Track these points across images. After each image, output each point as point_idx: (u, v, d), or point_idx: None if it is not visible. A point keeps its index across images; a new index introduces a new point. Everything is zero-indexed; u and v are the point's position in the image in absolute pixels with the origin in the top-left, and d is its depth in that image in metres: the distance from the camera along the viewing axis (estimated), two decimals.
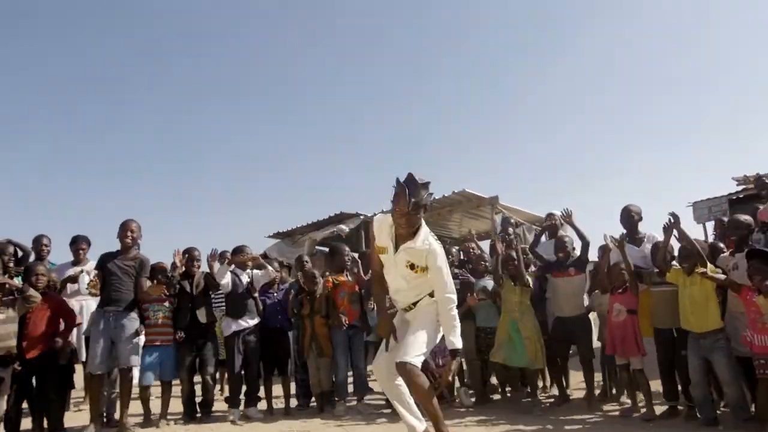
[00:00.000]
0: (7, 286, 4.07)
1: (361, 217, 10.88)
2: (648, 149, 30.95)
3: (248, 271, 4.98)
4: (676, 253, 4.02)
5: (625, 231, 4.82)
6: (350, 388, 5.03)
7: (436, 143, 33.70)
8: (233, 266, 4.85)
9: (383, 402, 4.81)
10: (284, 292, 5.13)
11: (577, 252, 5.00)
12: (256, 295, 4.90)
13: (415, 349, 2.80)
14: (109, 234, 4.61)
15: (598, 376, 4.87)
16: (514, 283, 4.64)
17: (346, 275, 5.02)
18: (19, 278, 4.41)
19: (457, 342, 2.85)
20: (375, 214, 10.35)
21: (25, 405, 4.33)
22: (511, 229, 7.46)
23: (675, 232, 3.95)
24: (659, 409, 4.07)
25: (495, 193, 9.29)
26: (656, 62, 30.47)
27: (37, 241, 5.13)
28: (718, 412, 3.82)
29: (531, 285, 4.66)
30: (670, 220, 3.93)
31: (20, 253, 4.78)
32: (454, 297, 2.90)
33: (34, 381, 4.24)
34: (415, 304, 3.01)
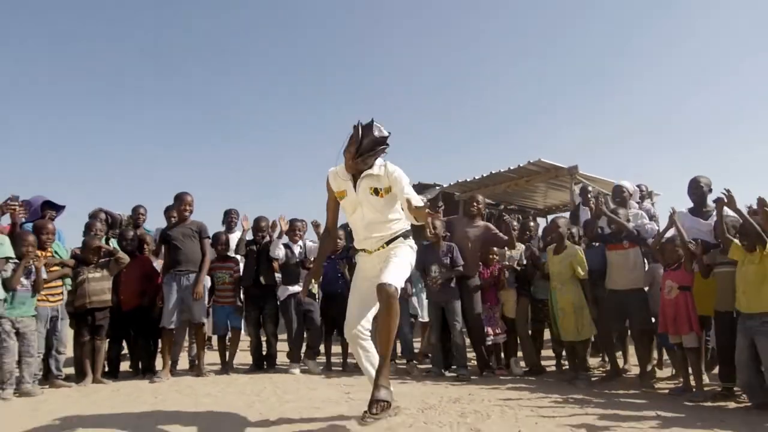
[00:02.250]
0: (102, 249, 4.78)
1: (437, 188, 10.96)
2: (742, 117, 27.53)
3: (300, 242, 5.38)
4: None
5: (692, 204, 4.57)
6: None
7: (518, 113, 32.40)
8: (286, 239, 5.27)
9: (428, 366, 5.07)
10: (341, 257, 5.45)
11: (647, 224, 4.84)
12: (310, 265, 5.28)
13: (397, 275, 2.81)
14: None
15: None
16: (554, 252, 4.59)
17: None
18: (114, 242, 5.12)
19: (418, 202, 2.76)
20: (451, 185, 10.50)
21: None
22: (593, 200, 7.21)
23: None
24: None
25: (575, 162, 8.93)
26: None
27: (135, 210, 5.86)
28: None
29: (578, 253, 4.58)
30: (723, 196, 3.67)
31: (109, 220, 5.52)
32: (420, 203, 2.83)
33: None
34: (388, 243, 2.98)
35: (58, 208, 5.06)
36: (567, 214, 7.98)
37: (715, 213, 4.37)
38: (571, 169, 8.94)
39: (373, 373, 2.85)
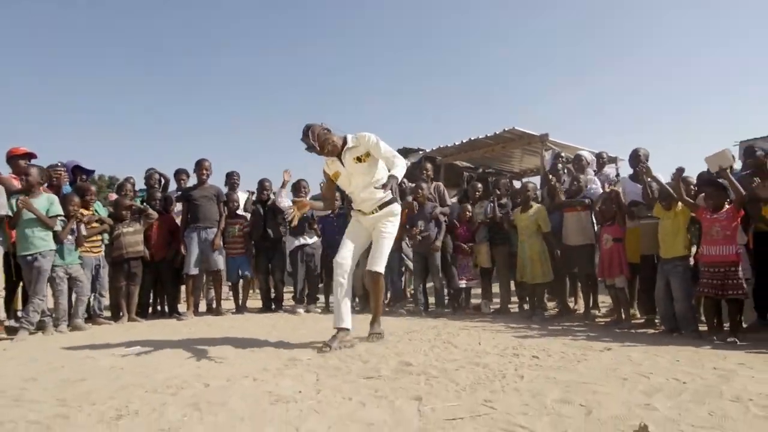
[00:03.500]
0: (133, 206, 5.55)
1: (420, 152, 11.76)
2: (704, 91, 28.91)
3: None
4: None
5: (632, 171, 5.48)
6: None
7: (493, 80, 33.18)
8: (291, 195, 6.10)
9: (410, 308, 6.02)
10: (339, 215, 6.29)
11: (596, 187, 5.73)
12: (313, 221, 6.13)
13: (381, 261, 3.75)
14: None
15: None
16: (521, 211, 5.50)
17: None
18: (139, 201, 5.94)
19: (398, 173, 3.53)
20: (433, 150, 11.25)
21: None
22: (560, 165, 8.08)
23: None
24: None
25: (546, 130, 9.78)
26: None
27: (177, 174, 6.57)
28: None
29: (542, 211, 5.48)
30: (643, 168, 4.61)
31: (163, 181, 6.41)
32: (400, 160, 3.64)
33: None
34: (381, 207, 3.78)
35: (89, 173, 5.79)
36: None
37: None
38: (542, 137, 9.81)
39: (339, 305, 3.74)
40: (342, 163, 3.76)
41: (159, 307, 6.04)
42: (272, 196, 6.15)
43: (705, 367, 2.88)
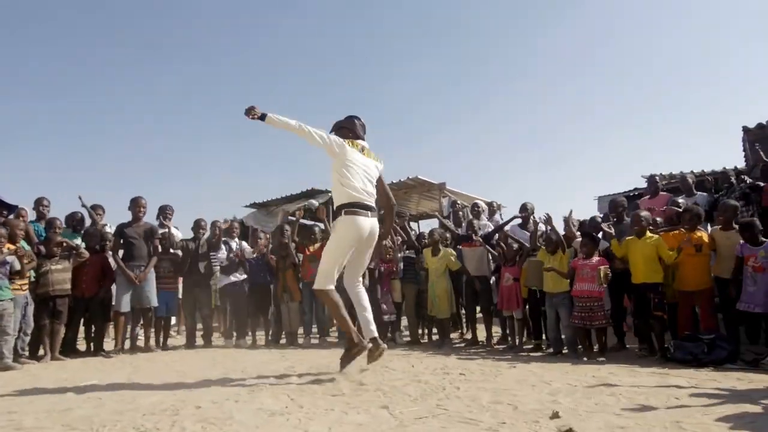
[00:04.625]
0: (65, 244, 5.56)
1: (329, 193, 12.44)
2: (566, 149, 34.31)
3: (236, 239, 6.59)
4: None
5: (521, 220, 6.65)
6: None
7: (395, 132, 35.89)
8: (225, 237, 6.48)
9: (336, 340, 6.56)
10: (265, 255, 6.72)
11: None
12: (244, 260, 6.52)
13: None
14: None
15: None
16: (432, 254, 6.37)
17: (316, 245, 6.68)
18: (79, 239, 5.90)
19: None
20: None
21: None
22: (460, 213, 9.20)
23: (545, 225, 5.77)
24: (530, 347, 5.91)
25: (444, 179, 11.04)
26: (579, 69, 33.46)
27: (38, 202, 6.22)
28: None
29: (450, 255, 6.38)
30: (542, 218, 5.72)
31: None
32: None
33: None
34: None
35: (11, 208, 5.69)
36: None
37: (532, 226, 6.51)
38: (440, 185, 11.04)
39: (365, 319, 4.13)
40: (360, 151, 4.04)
41: (85, 346, 5.94)
42: (204, 236, 6.44)
43: (587, 375, 3.84)
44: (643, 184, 11.73)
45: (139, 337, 6.17)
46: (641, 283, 4.95)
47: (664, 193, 7.44)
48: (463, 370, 4.12)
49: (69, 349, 5.72)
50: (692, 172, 8.63)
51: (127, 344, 6.27)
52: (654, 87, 35.77)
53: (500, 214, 10.84)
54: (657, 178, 7.58)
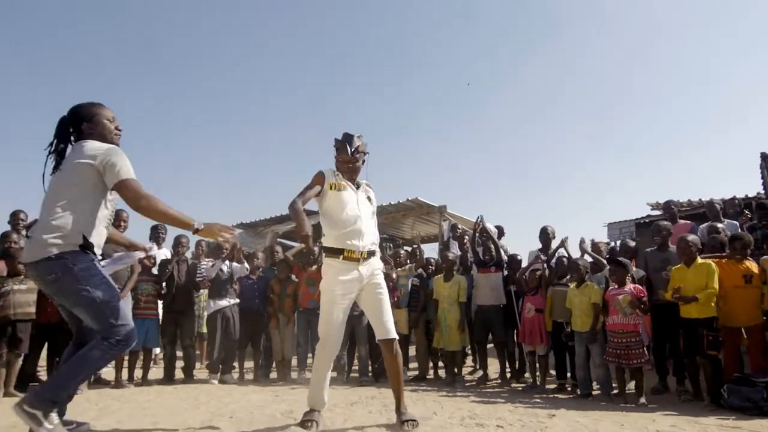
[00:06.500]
0: None
1: (319, 214, 11.83)
2: (579, 172, 34.11)
3: (227, 261, 5.90)
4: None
5: (541, 245, 6.08)
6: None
7: (393, 152, 35.50)
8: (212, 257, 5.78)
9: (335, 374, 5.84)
10: (259, 278, 6.03)
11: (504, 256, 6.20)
12: (236, 284, 5.83)
13: (393, 324, 3.20)
14: None
15: None
16: (444, 279, 5.75)
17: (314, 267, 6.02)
18: None
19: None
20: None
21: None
22: (466, 237, 8.61)
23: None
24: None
25: (444, 202, 10.47)
26: (593, 95, 33.67)
27: (14, 215, 5.53)
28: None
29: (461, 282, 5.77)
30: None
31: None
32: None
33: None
34: (371, 253, 3.19)
35: None
36: (436, 245, 9.40)
37: (556, 254, 5.93)
38: (441, 208, 10.48)
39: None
40: (353, 191, 3.26)
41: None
42: (188, 255, 5.74)
43: (648, 429, 3.21)
44: (648, 212, 11.39)
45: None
46: (693, 318, 4.36)
47: (684, 220, 6.95)
48: (498, 420, 3.47)
49: (27, 384, 4.92)
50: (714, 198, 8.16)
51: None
52: (668, 113, 35.95)
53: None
54: (672, 204, 7.08)
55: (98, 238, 2.67)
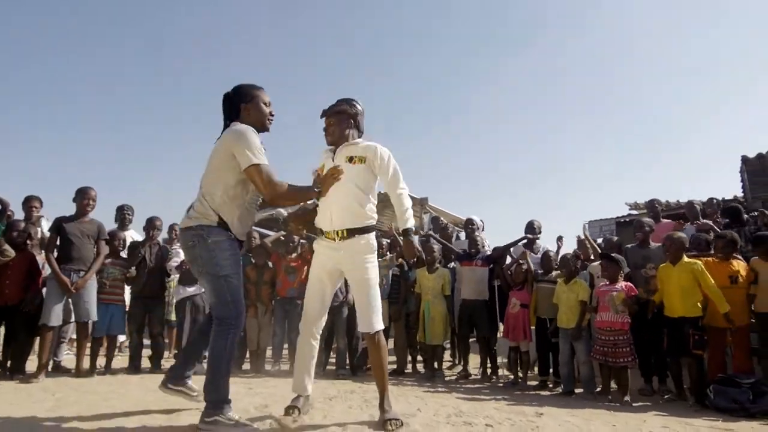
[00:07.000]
0: None
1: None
2: (559, 170, 34.58)
3: None
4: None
5: (527, 240, 5.95)
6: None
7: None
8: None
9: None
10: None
11: (487, 250, 6.05)
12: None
13: (377, 316, 2.97)
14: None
15: None
16: (428, 271, 5.57)
17: (293, 254, 5.78)
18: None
19: (409, 222, 3.03)
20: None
21: None
22: (449, 230, 8.44)
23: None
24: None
25: (426, 194, 10.32)
26: (575, 95, 34.08)
27: (27, 202, 5.41)
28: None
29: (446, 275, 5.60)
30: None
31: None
32: (404, 187, 3.05)
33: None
34: (350, 232, 2.92)
35: None
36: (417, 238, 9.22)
37: (541, 249, 5.82)
38: (422, 200, 10.31)
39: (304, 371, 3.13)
40: (333, 159, 3.03)
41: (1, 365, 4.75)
42: (160, 239, 5.43)
43: (642, 430, 3.10)
44: (627, 211, 11.45)
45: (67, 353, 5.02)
46: (679, 318, 4.28)
47: (666, 219, 6.94)
48: (486, 419, 3.30)
49: None
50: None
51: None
52: (648, 115, 36.67)
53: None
54: (656, 202, 7.05)
55: (238, 217, 2.79)
